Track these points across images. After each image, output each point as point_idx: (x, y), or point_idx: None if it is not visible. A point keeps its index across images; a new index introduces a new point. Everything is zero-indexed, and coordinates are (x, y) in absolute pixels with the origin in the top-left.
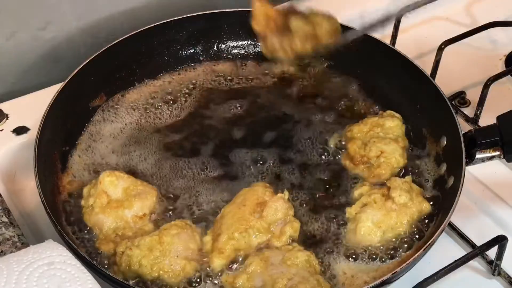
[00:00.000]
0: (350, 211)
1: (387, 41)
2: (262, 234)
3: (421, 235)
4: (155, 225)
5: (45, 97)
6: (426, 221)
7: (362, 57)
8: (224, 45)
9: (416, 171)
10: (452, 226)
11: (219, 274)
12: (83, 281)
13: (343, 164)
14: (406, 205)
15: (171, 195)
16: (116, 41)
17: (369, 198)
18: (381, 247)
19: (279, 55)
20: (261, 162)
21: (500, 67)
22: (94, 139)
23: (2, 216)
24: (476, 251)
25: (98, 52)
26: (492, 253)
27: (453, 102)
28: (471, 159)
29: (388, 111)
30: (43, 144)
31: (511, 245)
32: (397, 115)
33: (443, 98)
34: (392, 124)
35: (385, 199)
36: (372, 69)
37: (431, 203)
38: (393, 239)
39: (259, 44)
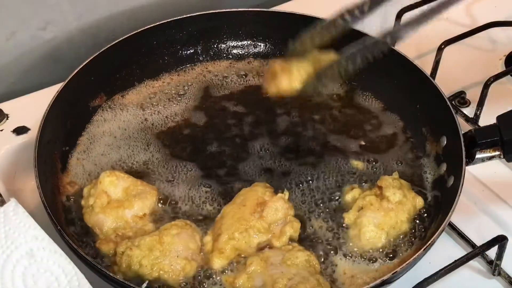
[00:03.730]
0: (348, 217)
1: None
2: (262, 234)
3: (421, 235)
4: (155, 225)
5: (45, 97)
6: (426, 220)
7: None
8: (224, 45)
9: (416, 171)
10: (452, 226)
11: (219, 274)
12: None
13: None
14: (402, 202)
15: (171, 195)
16: (116, 41)
17: (364, 201)
18: (382, 247)
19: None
20: (261, 163)
21: (500, 67)
22: (94, 139)
23: None
24: (476, 251)
25: (98, 52)
26: (492, 253)
27: (453, 102)
28: (471, 159)
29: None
30: (43, 144)
31: (511, 245)
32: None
33: (443, 98)
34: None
35: (380, 199)
36: (372, 69)
37: (429, 201)
38: (394, 239)
39: (260, 44)
